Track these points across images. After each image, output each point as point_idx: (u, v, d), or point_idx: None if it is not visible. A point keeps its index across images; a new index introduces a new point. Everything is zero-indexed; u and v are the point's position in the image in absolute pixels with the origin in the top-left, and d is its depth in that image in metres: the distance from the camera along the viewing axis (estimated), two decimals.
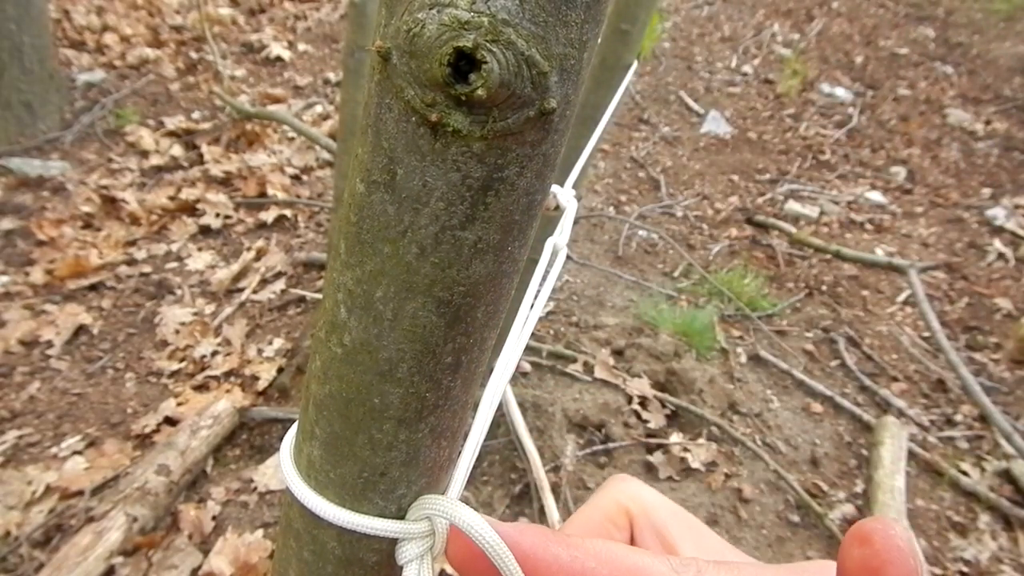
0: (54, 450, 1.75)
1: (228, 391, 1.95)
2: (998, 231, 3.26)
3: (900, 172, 3.70)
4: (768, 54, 4.76)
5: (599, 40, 0.22)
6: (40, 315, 2.14)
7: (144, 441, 1.80)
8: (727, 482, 1.88)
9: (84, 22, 3.84)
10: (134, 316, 2.23)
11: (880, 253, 3.03)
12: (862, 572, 0.20)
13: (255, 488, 1.69)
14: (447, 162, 0.21)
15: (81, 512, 1.56)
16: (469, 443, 0.32)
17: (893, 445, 1.96)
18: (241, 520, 1.63)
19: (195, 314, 2.24)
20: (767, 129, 4.00)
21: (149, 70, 3.61)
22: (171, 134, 3.16)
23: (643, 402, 2.05)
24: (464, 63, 0.19)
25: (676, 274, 2.77)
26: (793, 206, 3.29)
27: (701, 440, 1.97)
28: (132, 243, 2.52)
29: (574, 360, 2.16)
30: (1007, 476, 2.00)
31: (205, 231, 2.64)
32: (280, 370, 2.04)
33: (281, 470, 0.31)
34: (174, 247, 2.53)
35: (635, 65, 1.32)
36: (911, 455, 2.01)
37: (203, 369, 2.05)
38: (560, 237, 0.52)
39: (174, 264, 2.46)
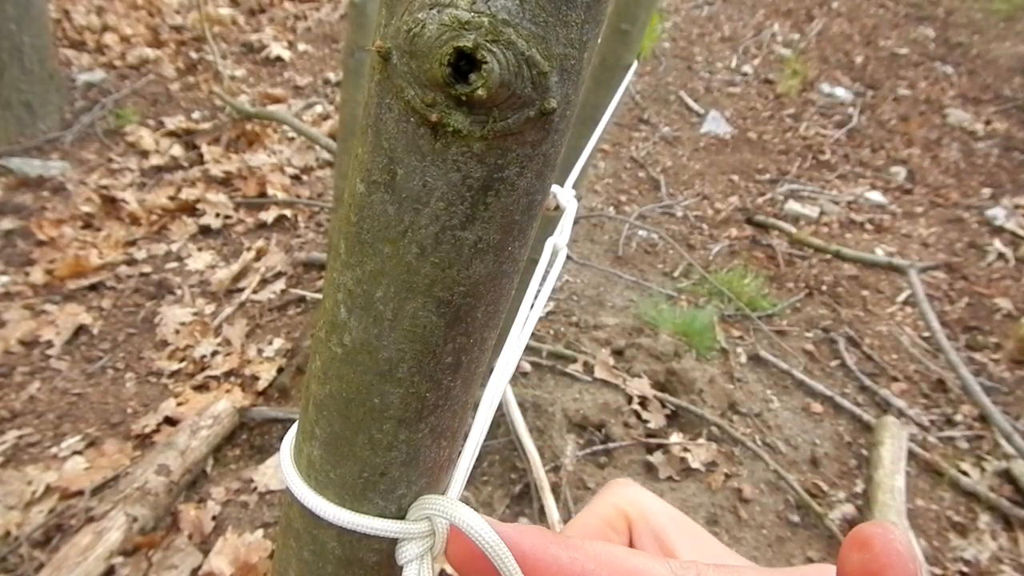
0: (54, 450, 1.75)
1: (228, 391, 1.95)
2: (998, 231, 3.26)
3: (900, 172, 3.70)
4: (768, 54, 4.76)
5: (599, 40, 0.22)
6: (40, 315, 2.14)
7: (144, 441, 1.80)
8: (727, 482, 1.88)
9: (84, 22, 3.84)
10: (134, 316, 2.23)
11: (880, 253, 3.03)
12: None
13: (255, 488, 1.69)
14: (447, 162, 0.21)
15: (81, 512, 1.56)
16: (469, 443, 0.32)
17: (893, 445, 1.96)
18: (241, 520, 1.63)
19: (195, 314, 2.24)
20: (767, 129, 4.00)
21: (149, 70, 3.61)
22: (171, 134, 3.16)
23: (643, 402, 2.05)
24: (464, 63, 0.19)
25: (676, 274, 2.77)
26: (793, 206, 3.29)
27: (701, 440, 1.97)
28: (132, 243, 2.52)
29: (574, 360, 2.16)
30: (1007, 476, 2.00)
31: (205, 231, 2.64)
32: (280, 370, 2.04)
33: (281, 470, 0.31)
34: (174, 247, 2.53)
35: (635, 65, 1.32)
36: (911, 455, 2.01)
37: (203, 369, 2.05)
38: (560, 237, 0.52)
39: (174, 264, 2.46)
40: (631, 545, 0.29)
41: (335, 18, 4.45)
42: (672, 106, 4.15)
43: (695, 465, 1.89)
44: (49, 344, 2.06)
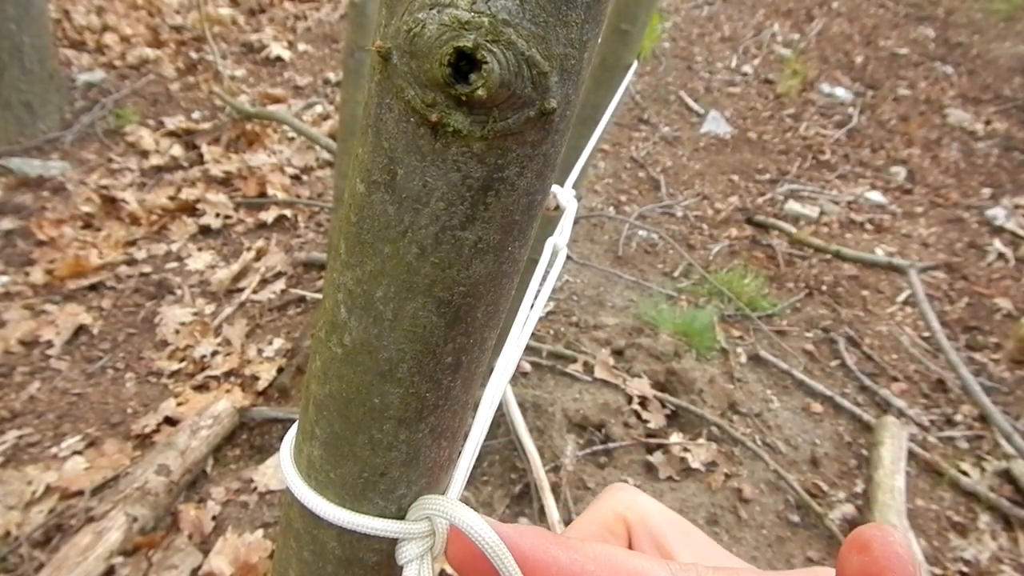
0: (54, 450, 1.75)
1: (228, 391, 1.95)
2: (998, 231, 3.26)
3: (900, 172, 3.70)
4: (768, 54, 4.76)
5: (599, 40, 0.22)
6: (40, 315, 2.14)
7: (144, 441, 1.80)
8: (727, 482, 1.88)
9: (84, 22, 3.84)
10: (134, 316, 2.23)
11: (880, 253, 3.03)
12: None
13: (255, 488, 1.69)
14: (447, 162, 0.21)
15: (81, 512, 1.56)
16: (469, 443, 0.32)
17: (893, 445, 1.96)
18: (241, 520, 1.63)
19: (195, 314, 2.24)
20: (767, 129, 4.00)
21: (149, 70, 3.61)
22: (171, 134, 3.16)
23: (643, 402, 2.05)
24: (464, 63, 0.19)
25: (676, 274, 2.77)
26: (793, 206, 3.29)
27: (701, 440, 1.97)
28: (132, 243, 2.52)
29: (574, 360, 2.16)
30: (1007, 476, 2.00)
31: (205, 231, 2.64)
32: (280, 370, 2.04)
33: (281, 470, 0.31)
34: (174, 247, 2.53)
35: (635, 65, 1.32)
36: (911, 455, 2.01)
37: (203, 369, 2.05)
38: (560, 237, 0.52)
39: (174, 264, 2.46)
40: (630, 548, 0.29)
41: (335, 18, 4.45)
42: (672, 106, 4.15)
43: (695, 465, 1.89)
44: (49, 344, 2.06)
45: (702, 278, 2.70)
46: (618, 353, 2.24)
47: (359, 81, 1.66)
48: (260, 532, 1.58)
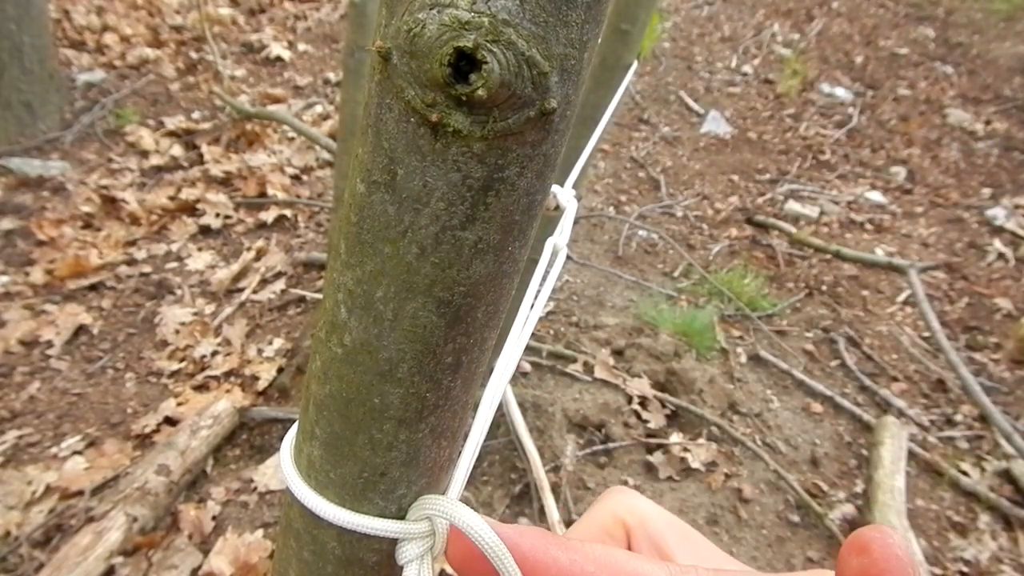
0: (54, 450, 1.75)
1: (228, 391, 1.95)
2: (998, 231, 3.26)
3: (900, 172, 3.70)
4: (768, 54, 4.76)
5: (599, 40, 0.22)
6: (40, 315, 2.14)
7: (144, 441, 1.80)
8: (727, 482, 1.88)
9: (84, 22, 3.84)
10: (134, 316, 2.23)
11: (880, 253, 3.03)
12: None
13: (255, 488, 1.69)
14: (447, 162, 0.21)
15: (81, 512, 1.56)
16: (469, 443, 0.32)
17: (893, 445, 1.96)
18: (241, 520, 1.63)
19: (195, 314, 2.24)
20: (767, 129, 4.00)
21: (149, 70, 3.61)
22: (171, 134, 3.16)
23: (643, 402, 2.05)
24: (464, 63, 0.19)
25: (676, 274, 2.77)
26: (793, 206, 3.29)
27: (701, 440, 1.97)
28: (132, 243, 2.52)
29: (574, 360, 2.16)
30: (1007, 476, 2.00)
31: (205, 231, 2.64)
32: (280, 370, 2.04)
33: (281, 470, 0.31)
34: (174, 247, 2.53)
35: (635, 65, 1.32)
36: (911, 455, 2.01)
37: (203, 369, 2.05)
38: (560, 237, 0.52)
39: (174, 264, 2.46)
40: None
41: (335, 18, 4.45)
42: (672, 106, 4.15)
43: (695, 465, 1.89)
44: (49, 344, 2.06)
45: (702, 278, 2.70)
46: (618, 353, 2.24)
47: (359, 81, 1.66)
48: (260, 532, 1.58)
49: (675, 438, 1.96)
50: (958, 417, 2.22)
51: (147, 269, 2.41)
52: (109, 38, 3.76)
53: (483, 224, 0.22)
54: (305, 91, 3.72)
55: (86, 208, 2.60)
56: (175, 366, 2.05)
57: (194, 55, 3.83)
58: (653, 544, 0.29)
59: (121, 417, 1.88)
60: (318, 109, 3.56)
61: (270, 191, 2.84)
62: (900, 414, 2.20)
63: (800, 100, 4.29)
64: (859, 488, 1.93)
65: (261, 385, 1.99)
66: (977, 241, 3.19)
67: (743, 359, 2.34)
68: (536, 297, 0.41)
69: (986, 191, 3.58)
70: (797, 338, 2.51)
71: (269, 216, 2.72)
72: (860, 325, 2.60)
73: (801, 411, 2.18)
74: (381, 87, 0.21)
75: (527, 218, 0.24)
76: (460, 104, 0.19)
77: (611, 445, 1.92)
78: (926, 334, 2.56)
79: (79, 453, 1.75)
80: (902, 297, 2.77)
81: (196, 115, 3.34)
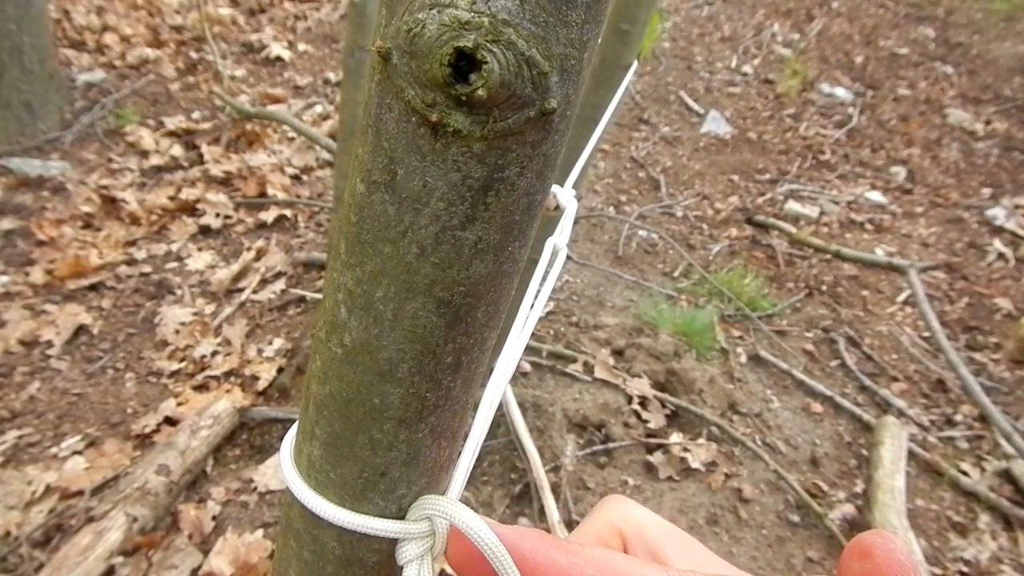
0: (54, 450, 1.75)
1: (228, 391, 1.95)
2: (998, 231, 3.26)
3: (900, 172, 3.70)
4: (768, 54, 4.76)
5: (599, 40, 0.22)
6: (40, 315, 2.14)
7: (144, 441, 1.80)
8: (727, 482, 1.88)
9: (84, 22, 3.84)
10: (134, 316, 2.23)
11: (880, 253, 3.03)
12: None
13: (255, 488, 1.69)
14: (447, 162, 0.21)
15: (81, 512, 1.56)
16: (469, 443, 0.32)
17: (893, 445, 1.96)
18: (241, 520, 1.63)
19: (195, 314, 2.24)
20: (767, 129, 4.00)
21: (149, 70, 3.61)
22: (171, 134, 3.16)
23: (643, 402, 2.05)
24: (464, 63, 0.19)
25: (676, 274, 2.77)
26: (793, 206, 3.29)
27: (701, 440, 1.97)
28: (132, 243, 2.52)
29: (574, 360, 2.16)
30: (1007, 476, 2.00)
31: (205, 231, 2.64)
32: (280, 370, 2.04)
33: (281, 470, 0.31)
34: (174, 247, 2.53)
35: (635, 65, 1.32)
36: (911, 455, 2.01)
37: (203, 369, 2.05)
38: (560, 237, 0.52)
39: (174, 264, 2.46)
40: None
41: (335, 18, 4.45)
42: (672, 106, 4.15)
43: (695, 465, 1.89)
44: (49, 344, 2.06)
45: (702, 278, 2.70)
46: (618, 353, 2.24)
47: (359, 81, 1.66)
48: (260, 532, 1.58)
49: (675, 438, 1.96)
50: (958, 417, 2.22)
51: (147, 269, 2.41)
52: (109, 38, 3.76)
53: (483, 224, 0.22)
54: (305, 91, 3.72)
55: (86, 208, 2.60)
56: (175, 366, 2.05)
57: (194, 55, 3.83)
58: (650, 552, 0.29)
59: (121, 417, 1.88)
60: (318, 109, 3.56)
61: (270, 191, 2.84)
62: (900, 414, 2.20)
63: (800, 100, 4.29)
64: (859, 488, 1.93)
65: (261, 385, 1.99)
66: (977, 241, 3.19)
67: (743, 359, 2.34)
68: (536, 297, 0.41)
69: (986, 191, 3.58)
70: (797, 338, 2.51)
71: (269, 216, 2.72)
72: (860, 325, 2.60)
73: (801, 411, 2.18)
74: (381, 87, 0.21)
75: (527, 218, 0.24)
76: (460, 104, 0.19)
77: (611, 445, 1.92)
78: (926, 334, 2.56)
79: (79, 453, 1.75)
80: (902, 297, 2.77)
81: (196, 115, 3.34)
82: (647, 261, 2.84)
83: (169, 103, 3.40)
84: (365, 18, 1.56)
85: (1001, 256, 3.08)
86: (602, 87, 1.29)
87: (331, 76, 3.86)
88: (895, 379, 2.36)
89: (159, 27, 4.01)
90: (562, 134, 0.22)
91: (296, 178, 3.02)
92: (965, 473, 1.99)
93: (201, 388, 1.98)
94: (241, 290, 2.37)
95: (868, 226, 3.26)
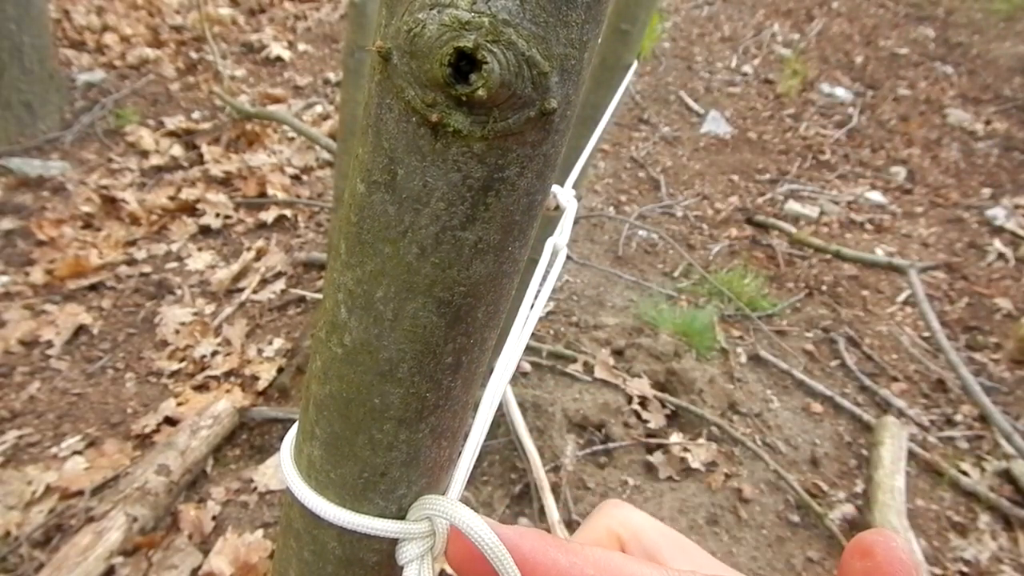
0: (54, 450, 1.75)
1: (228, 391, 1.95)
2: (998, 231, 3.26)
3: (900, 172, 3.70)
4: (768, 54, 4.76)
5: (599, 40, 0.22)
6: (40, 315, 2.14)
7: (144, 441, 1.80)
8: (727, 482, 1.88)
9: (84, 22, 3.84)
10: (134, 316, 2.23)
11: (880, 253, 3.03)
12: None
13: (255, 488, 1.69)
14: (448, 162, 0.21)
15: (81, 512, 1.56)
16: (469, 443, 0.32)
17: (893, 445, 1.96)
18: (241, 520, 1.63)
19: (195, 314, 2.24)
20: (767, 129, 4.00)
21: (149, 70, 3.61)
22: (171, 134, 3.16)
23: (643, 402, 2.05)
24: (465, 63, 0.19)
25: (676, 274, 2.77)
26: (793, 206, 3.29)
27: (701, 440, 1.97)
28: (132, 243, 2.52)
29: (574, 360, 2.16)
30: (1007, 476, 2.00)
31: (205, 231, 2.64)
32: (280, 370, 2.04)
33: (281, 470, 0.31)
34: (174, 247, 2.53)
35: (635, 65, 1.32)
36: (911, 455, 2.01)
37: (203, 369, 2.05)
38: (560, 237, 0.52)
39: (174, 264, 2.46)
40: None
41: (335, 18, 4.45)
42: (672, 106, 4.15)
43: (695, 465, 1.89)
44: (49, 344, 2.06)
45: (702, 278, 2.70)
46: (618, 353, 2.24)
47: (359, 81, 1.66)
48: (260, 532, 1.58)
49: (675, 438, 1.96)
50: (958, 417, 2.22)
51: (147, 269, 2.41)
52: (109, 38, 3.76)
53: (483, 224, 0.22)
54: (305, 91, 3.72)
55: (86, 208, 2.60)
56: (175, 366, 2.05)
57: (194, 55, 3.83)
58: (648, 555, 0.29)
59: (121, 417, 1.88)
60: (318, 109, 3.56)
61: (270, 191, 2.84)
62: (900, 414, 2.20)
63: (800, 100, 4.29)
64: (859, 488, 1.93)
65: (261, 385, 1.99)
66: (977, 241, 3.19)
67: (743, 359, 2.34)
68: (536, 297, 0.41)
69: (986, 191, 3.58)
70: (797, 338, 2.51)
71: (269, 216, 2.72)
72: (860, 325, 2.60)
73: (801, 411, 2.18)
74: (381, 87, 0.21)
75: (527, 218, 0.23)
76: (460, 104, 0.19)
77: (611, 445, 1.92)
78: (926, 334, 2.56)
79: (79, 453, 1.75)
80: (902, 297, 2.77)
81: (196, 115, 3.34)
82: (647, 261, 2.84)
83: (169, 103, 3.40)
84: (365, 18, 1.56)
85: (1001, 256, 3.08)
86: (602, 87, 1.29)
87: (331, 76, 3.86)
88: (895, 379, 2.36)
89: (159, 27, 4.01)
90: (562, 134, 0.22)
91: (296, 178, 3.02)
92: (965, 473, 1.99)
93: (201, 388, 1.98)
94: (241, 290, 2.37)
95: (868, 226, 3.26)
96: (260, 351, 2.12)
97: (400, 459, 0.27)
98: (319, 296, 2.32)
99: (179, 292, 2.33)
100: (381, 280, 0.23)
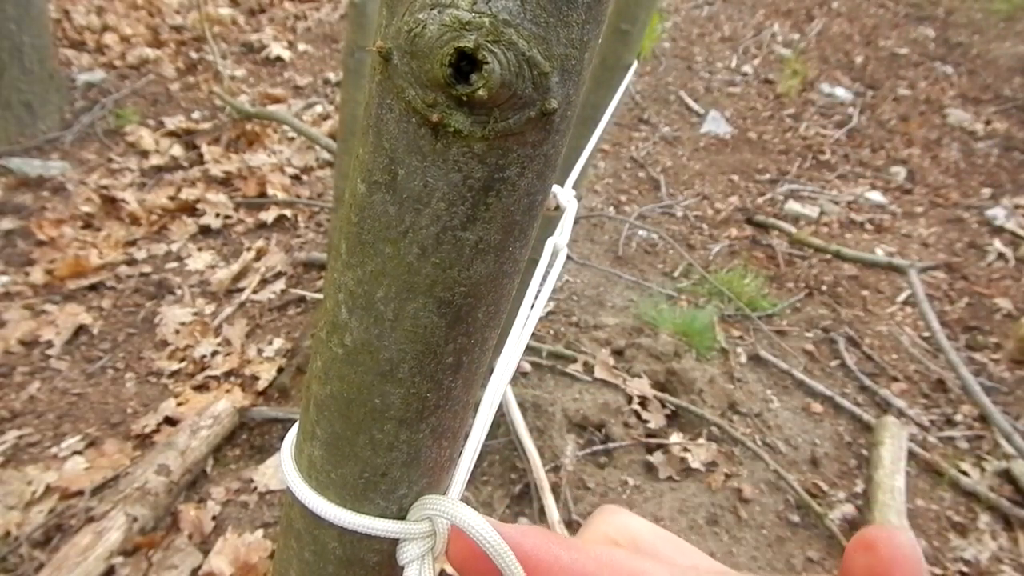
0: (54, 450, 1.75)
1: (228, 391, 1.95)
2: (998, 231, 3.26)
3: (900, 172, 3.70)
4: (768, 54, 4.76)
5: (599, 40, 0.22)
6: (40, 315, 2.14)
7: (144, 441, 1.80)
8: (727, 482, 1.88)
9: (84, 22, 3.84)
10: (134, 316, 2.23)
11: (880, 253, 3.03)
12: None
13: (255, 488, 1.69)
14: (448, 162, 0.21)
15: (81, 512, 1.56)
16: (470, 443, 0.32)
17: (893, 445, 1.96)
18: (241, 520, 1.63)
19: (195, 314, 2.24)
20: (767, 129, 4.00)
21: (149, 70, 3.61)
22: (171, 134, 3.16)
23: (643, 402, 2.05)
24: (465, 63, 0.19)
25: (676, 274, 2.77)
26: (793, 206, 3.29)
27: (701, 440, 1.97)
28: (132, 243, 2.52)
29: (574, 360, 2.16)
30: (1007, 476, 2.00)
31: (205, 231, 2.64)
32: (280, 370, 2.04)
33: (282, 470, 0.31)
34: (174, 247, 2.53)
35: (635, 65, 1.32)
36: (911, 455, 2.01)
37: (203, 369, 2.05)
38: (560, 237, 0.52)
39: (174, 264, 2.46)
40: None
41: (335, 18, 4.45)
42: (672, 106, 4.15)
43: (695, 465, 1.89)
44: (49, 344, 2.06)
45: (702, 278, 2.70)
46: (618, 353, 2.24)
47: (359, 81, 1.66)
48: (260, 532, 1.58)
49: (675, 438, 1.96)
50: (958, 417, 2.22)
51: (147, 269, 2.41)
52: (109, 38, 3.75)
53: (484, 224, 0.22)
54: (305, 91, 3.72)
55: (86, 208, 2.60)
56: (175, 366, 2.05)
57: (194, 55, 3.83)
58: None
59: (121, 417, 1.88)
60: (318, 109, 3.56)
61: (270, 191, 2.84)
62: (900, 414, 2.20)
63: (800, 100, 4.29)
64: (859, 488, 1.93)
65: (261, 385, 1.99)
66: (977, 241, 3.19)
67: (743, 359, 2.34)
68: (536, 297, 0.41)
69: (986, 191, 3.58)
70: (797, 338, 2.51)
71: (269, 216, 2.72)
72: (860, 325, 2.60)
73: (801, 411, 2.18)
74: (382, 87, 0.21)
75: (528, 218, 0.24)
76: (461, 104, 0.19)
77: (611, 445, 1.92)
78: (926, 334, 2.56)
79: (79, 453, 1.75)
80: (902, 297, 2.77)
81: (196, 115, 3.34)
82: (647, 261, 2.84)
83: (169, 103, 3.40)
84: (365, 18, 1.56)
85: (1001, 256, 3.08)
86: (602, 87, 1.29)
87: (331, 76, 3.86)
88: (895, 379, 2.36)
89: (159, 27, 4.01)
90: (563, 134, 0.22)
91: (296, 178, 3.02)
92: (965, 473, 1.99)
93: (201, 388, 1.98)
94: (241, 290, 2.37)
95: (868, 226, 3.26)
96: (260, 351, 2.12)
97: (401, 459, 0.28)
98: (319, 296, 2.32)
99: (179, 292, 2.33)
100: (382, 280, 0.23)
